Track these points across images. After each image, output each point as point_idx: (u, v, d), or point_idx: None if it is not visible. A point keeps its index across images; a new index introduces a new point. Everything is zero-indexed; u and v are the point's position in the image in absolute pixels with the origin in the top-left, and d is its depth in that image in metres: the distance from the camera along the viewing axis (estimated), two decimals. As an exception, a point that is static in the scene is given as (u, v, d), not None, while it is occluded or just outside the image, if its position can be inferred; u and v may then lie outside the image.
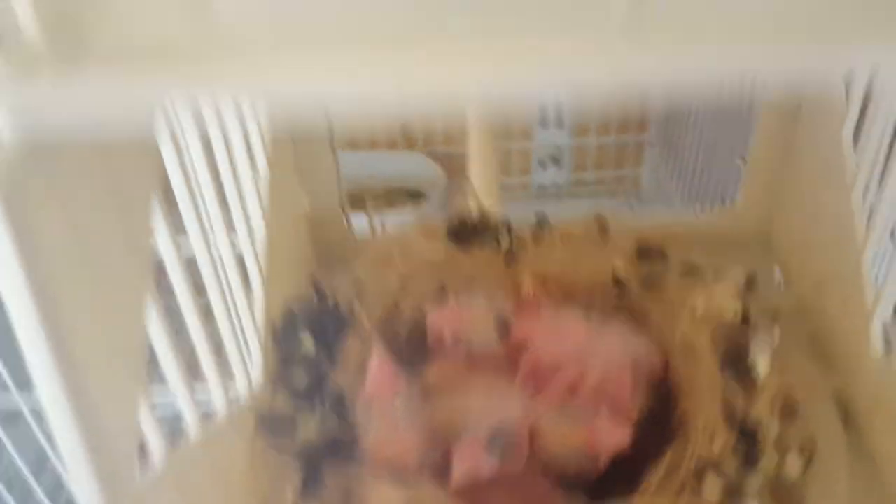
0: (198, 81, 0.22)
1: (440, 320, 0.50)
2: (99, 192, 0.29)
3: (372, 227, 0.60)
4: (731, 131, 1.00)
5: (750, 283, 0.49)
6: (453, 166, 1.27)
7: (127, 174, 0.32)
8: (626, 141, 1.29)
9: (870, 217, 0.44)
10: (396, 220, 0.63)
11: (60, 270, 0.25)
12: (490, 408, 0.41)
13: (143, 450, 0.31)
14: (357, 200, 0.67)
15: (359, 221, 0.63)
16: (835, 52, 0.21)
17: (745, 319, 0.47)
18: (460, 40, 0.22)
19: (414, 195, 1.24)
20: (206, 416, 0.38)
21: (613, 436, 0.40)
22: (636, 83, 0.21)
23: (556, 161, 1.34)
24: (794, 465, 0.39)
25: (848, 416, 0.44)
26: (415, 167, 1.26)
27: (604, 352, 0.46)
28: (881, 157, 0.43)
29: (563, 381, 0.44)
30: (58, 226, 0.25)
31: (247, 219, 0.48)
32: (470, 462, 0.39)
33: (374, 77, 0.21)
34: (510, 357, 0.48)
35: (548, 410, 0.42)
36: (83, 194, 0.27)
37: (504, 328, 0.49)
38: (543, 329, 0.48)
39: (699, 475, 0.38)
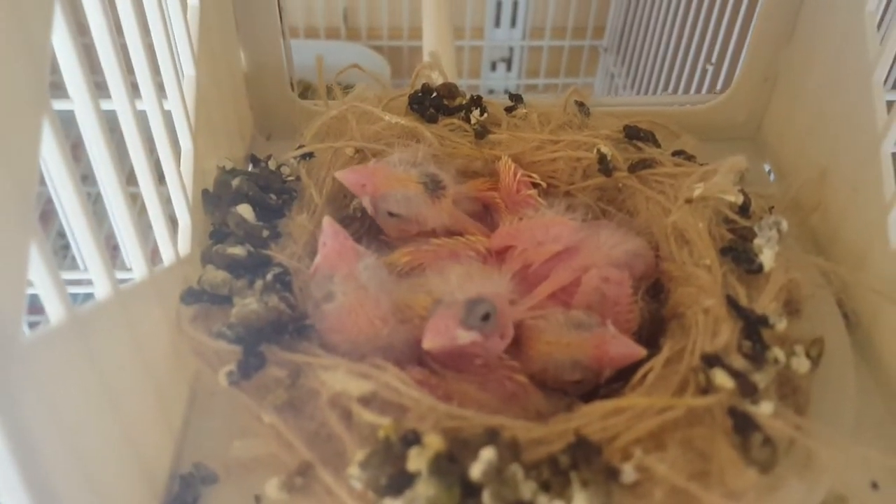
0: None
1: (354, 179, 0.42)
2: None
3: (323, 96, 0.51)
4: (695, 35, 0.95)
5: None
6: (398, 61, 1.18)
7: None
8: (580, 45, 1.22)
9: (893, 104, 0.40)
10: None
11: None
12: (470, 282, 0.35)
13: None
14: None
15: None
16: None
17: (745, 210, 0.42)
18: None
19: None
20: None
21: (625, 349, 0.35)
22: None
23: (507, 63, 1.27)
24: (801, 364, 0.35)
25: (849, 315, 0.41)
26: (358, 60, 1.16)
27: (599, 252, 0.40)
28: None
29: (555, 282, 0.38)
30: None
31: (174, 62, 0.39)
32: (444, 330, 0.33)
33: None
34: (494, 255, 0.42)
35: (542, 311, 0.36)
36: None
37: (435, 186, 0.42)
38: (528, 225, 0.42)
39: (702, 371, 0.33)
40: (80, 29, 0.27)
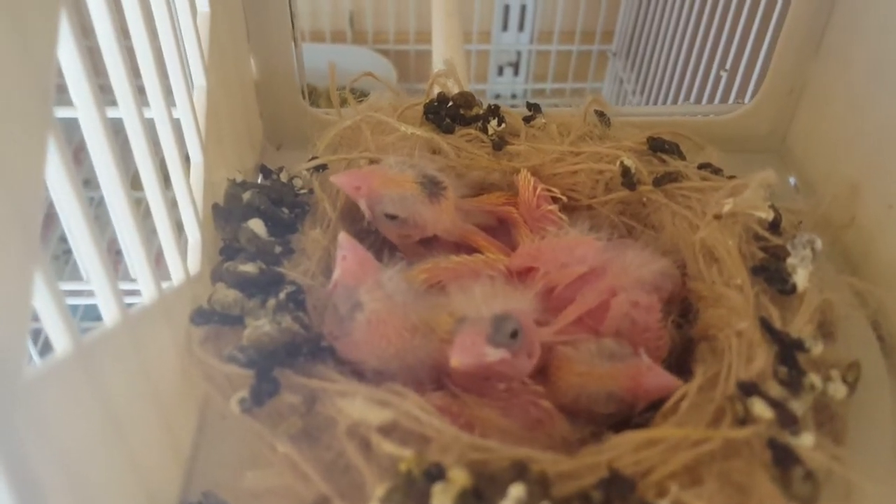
0: None
1: (348, 181, 0.41)
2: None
3: (335, 105, 0.50)
4: (708, 41, 0.93)
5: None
6: (404, 65, 1.17)
7: None
8: (588, 49, 1.21)
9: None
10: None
11: None
12: (494, 300, 0.33)
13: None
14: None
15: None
16: None
17: (775, 226, 0.40)
18: None
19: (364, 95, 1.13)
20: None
21: (661, 381, 0.34)
22: None
23: (515, 67, 1.25)
24: (837, 389, 0.33)
25: (885, 337, 0.39)
26: (365, 64, 1.15)
27: (626, 273, 0.38)
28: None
29: (582, 305, 0.37)
30: None
31: (184, 70, 0.38)
32: (472, 347, 0.32)
33: None
34: (515, 276, 0.40)
35: (570, 337, 0.35)
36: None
37: (433, 187, 0.41)
38: (551, 245, 0.40)
39: (739, 400, 0.31)
40: (85, 32, 0.26)
